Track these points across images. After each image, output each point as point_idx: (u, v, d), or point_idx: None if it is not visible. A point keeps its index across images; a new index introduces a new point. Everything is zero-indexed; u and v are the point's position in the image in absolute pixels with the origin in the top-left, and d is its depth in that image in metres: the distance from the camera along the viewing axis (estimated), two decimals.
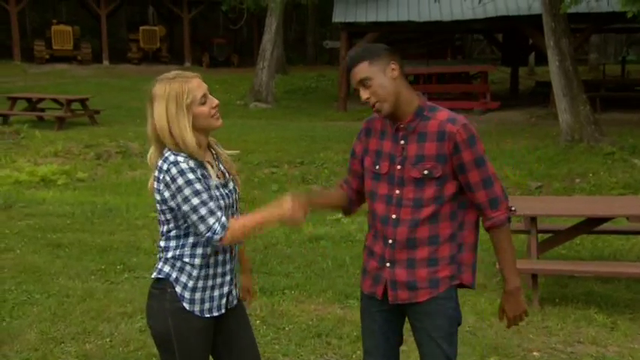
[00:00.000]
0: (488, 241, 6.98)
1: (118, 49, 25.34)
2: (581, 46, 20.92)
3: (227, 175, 2.45)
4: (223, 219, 2.29)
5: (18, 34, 23.71)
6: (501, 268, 2.50)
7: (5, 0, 23.41)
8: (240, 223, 2.34)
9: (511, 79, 19.81)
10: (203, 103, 2.31)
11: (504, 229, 2.44)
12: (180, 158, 2.27)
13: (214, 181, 2.35)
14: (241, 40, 30.06)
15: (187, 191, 2.25)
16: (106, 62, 24.29)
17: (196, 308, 2.36)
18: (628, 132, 11.86)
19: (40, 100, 14.41)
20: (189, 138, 2.27)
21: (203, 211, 2.26)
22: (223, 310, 2.44)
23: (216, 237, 2.27)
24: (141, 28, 25.29)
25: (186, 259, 2.35)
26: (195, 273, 2.36)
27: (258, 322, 4.39)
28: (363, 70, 2.38)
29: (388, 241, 2.45)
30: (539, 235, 5.41)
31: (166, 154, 2.29)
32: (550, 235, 5.59)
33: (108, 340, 4.11)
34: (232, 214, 2.40)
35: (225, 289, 2.44)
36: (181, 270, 2.35)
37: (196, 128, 2.32)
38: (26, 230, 6.51)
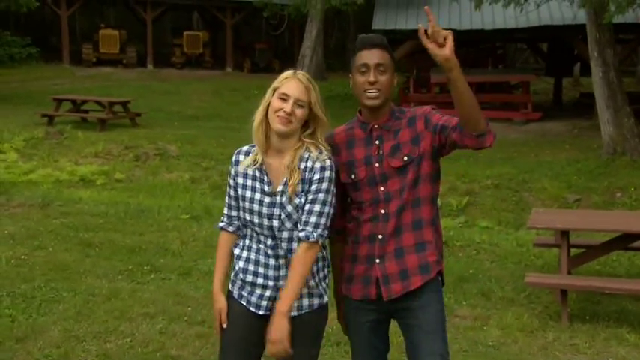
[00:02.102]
0: (517, 254, 6.81)
1: (162, 54, 25.80)
2: (629, 57, 20.37)
3: (282, 191, 2.43)
4: (234, 225, 2.58)
5: (68, 38, 24.39)
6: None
7: (57, 5, 24.14)
8: (221, 253, 2.61)
9: (554, 89, 19.38)
10: (280, 98, 2.41)
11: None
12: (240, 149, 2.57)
13: (257, 184, 2.48)
14: (282, 46, 30.25)
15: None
16: (150, 66, 24.73)
17: (235, 290, 2.54)
18: None
19: (84, 101, 14.77)
20: (257, 121, 2.44)
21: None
22: (261, 312, 2.49)
23: (218, 225, 2.61)
24: (185, 33, 25.66)
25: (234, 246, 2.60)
26: (236, 261, 2.57)
27: None
28: (385, 58, 2.44)
29: (378, 237, 2.49)
30: (573, 249, 5.27)
31: None
32: (583, 250, 5.43)
33: (128, 339, 4.16)
34: (272, 228, 2.45)
35: (268, 293, 2.50)
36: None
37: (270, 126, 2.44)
38: (60, 229, 6.65)
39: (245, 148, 2.55)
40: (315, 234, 2.39)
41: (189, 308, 4.66)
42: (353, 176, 2.50)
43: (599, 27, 10.83)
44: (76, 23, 29.36)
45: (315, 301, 2.50)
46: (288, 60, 26.10)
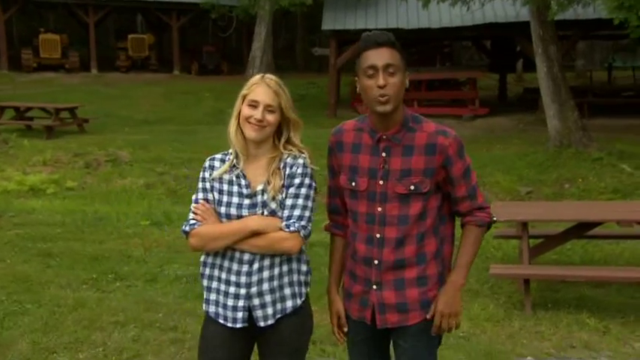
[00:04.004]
0: (483, 246, 6.99)
1: (106, 58, 25.20)
2: (568, 52, 21.12)
3: (263, 190, 2.36)
4: (196, 224, 2.37)
5: (5, 43, 23.57)
6: (458, 260, 2.38)
7: None
8: (211, 227, 2.36)
9: (499, 85, 19.94)
10: (250, 106, 2.36)
11: (481, 229, 2.40)
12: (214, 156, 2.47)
13: (234, 189, 2.40)
14: (230, 48, 30.06)
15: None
16: (94, 70, 24.14)
17: (210, 309, 2.43)
18: (615, 137, 11.98)
19: (28, 108, 14.30)
20: (233, 131, 2.39)
21: (192, 206, 2.43)
22: (239, 325, 2.36)
23: (183, 230, 2.41)
24: (129, 36, 25.17)
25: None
26: (202, 270, 2.45)
27: None
28: (394, 57, 2.21)
29: (374, 262, 2.33)
30: (531, 240, 5.45)
31: None
32: (541, 240, 5.62)
33: (101, 349, 4.08)
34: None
35: (241, 303, 2.35)
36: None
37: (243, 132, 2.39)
38: (16, 240, 6.45)
39: (218, 155, 2.47)
40: (297, 224, 2.30)
41: (160, 315, 4.60)
42: (353, 184, 2.34)
43: (543, 24, 11.21)
44: (13, 27, 28.38)
45: (298, 301, 2.43)
46: (236, 62, 25.95)
